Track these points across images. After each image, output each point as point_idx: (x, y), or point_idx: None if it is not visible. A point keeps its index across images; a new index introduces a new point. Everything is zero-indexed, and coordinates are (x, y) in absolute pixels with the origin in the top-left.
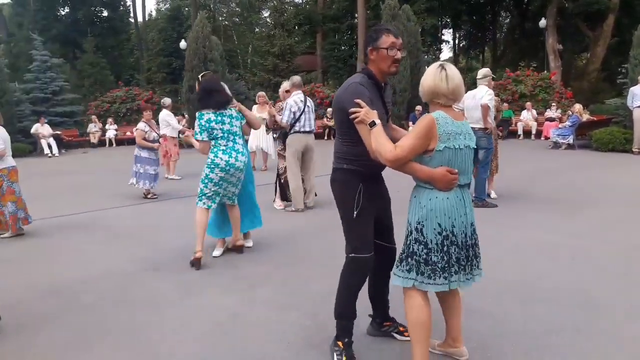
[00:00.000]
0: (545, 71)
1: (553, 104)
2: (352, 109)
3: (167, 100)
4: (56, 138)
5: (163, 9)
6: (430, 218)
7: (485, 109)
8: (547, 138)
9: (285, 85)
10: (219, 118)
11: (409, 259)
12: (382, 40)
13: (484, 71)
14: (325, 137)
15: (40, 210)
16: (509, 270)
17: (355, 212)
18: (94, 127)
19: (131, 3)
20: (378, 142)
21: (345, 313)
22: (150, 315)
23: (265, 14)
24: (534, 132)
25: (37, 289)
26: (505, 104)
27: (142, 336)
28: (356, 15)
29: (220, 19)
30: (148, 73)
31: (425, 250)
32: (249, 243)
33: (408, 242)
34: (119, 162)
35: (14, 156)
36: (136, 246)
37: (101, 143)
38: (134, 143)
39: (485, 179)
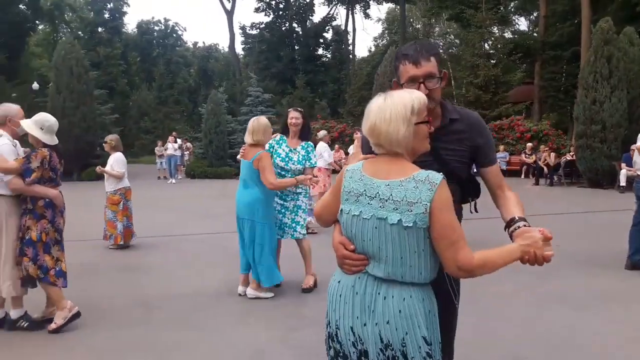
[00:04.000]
0: None
1: None
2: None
3: (322, 133)
4: None
5: (380, 44)
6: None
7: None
8: None
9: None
10: None
11: None
12: (400, 73)
13: None
14: (523, 175)
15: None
16: None
17: None
18: None
19: (351, 41)
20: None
21: None
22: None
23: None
24: None
25: (123, 297)
26: None
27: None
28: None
29: None
30: (350, 107)
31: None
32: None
33: None
34: None
35: (221, 177)
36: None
37: None
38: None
39: None
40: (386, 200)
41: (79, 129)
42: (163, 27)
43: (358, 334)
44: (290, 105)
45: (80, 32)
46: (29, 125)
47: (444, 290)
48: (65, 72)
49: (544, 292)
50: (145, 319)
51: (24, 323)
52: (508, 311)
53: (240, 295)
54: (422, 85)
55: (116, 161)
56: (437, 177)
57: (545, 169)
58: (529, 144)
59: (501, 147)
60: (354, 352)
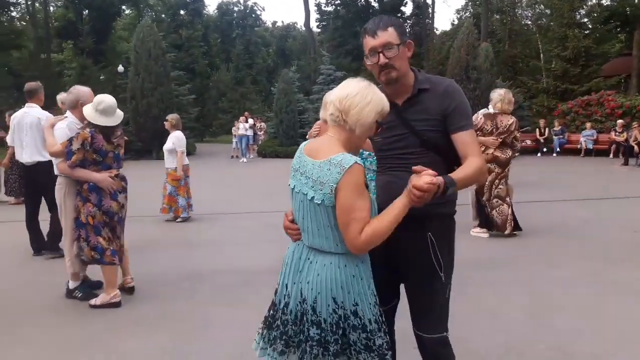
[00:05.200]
0: None
1: None
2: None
3: None
4: None
5: (463, 17)
6: None
7: None
8: None
9: None
10: None
11: None
12: (364, 46)
13: None
14: (612, 155)
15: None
16: None
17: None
18: None
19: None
20: None
21: None
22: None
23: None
24: None
25: (175, 271)
26: None
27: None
28: None
29: (523, 22)
30: None
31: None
32: None
33: None
34: None
35: (291, 157)
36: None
37: None
38: None
39: None
40: (308, 178)
41: (157, 109)
42: (242, 8)
43: (288, 290)
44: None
45: (163, 15)
46: (86, 106)
47: (427, 263)
48: (143, 54)
49: (608, 280)
50: (190, 292)
51: (78, 294)
52: (564, 299)
53: None
54: (380, 54)
55: (177, 139)
56: (349, 161)
57: (636, 147)
58: (620, 121)
59: (588, 125)
60: (281, 302)
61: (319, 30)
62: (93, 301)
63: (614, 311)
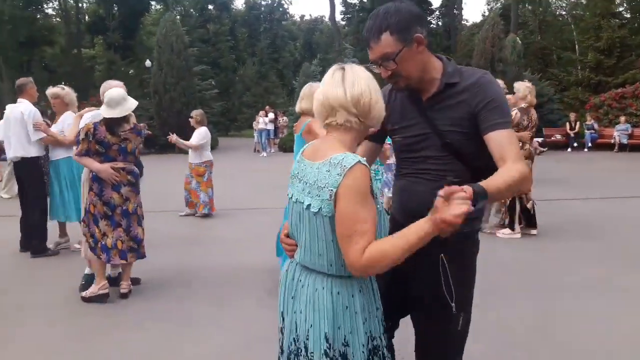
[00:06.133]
0: None
1: None
2: None
3: None
4: None
5: (494, 8)
6: None
7: None
8: None
9: None
10: None
11: None
12: None
13: None
14: None
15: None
16: None
17: None
18: None
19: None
20: None
21: None
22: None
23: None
24: None
25: (182, 267)
26: None
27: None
28: None
29: (557, 12)
30: None
31: None
32: None
33: None
34: None
35: None
36: None
37: None
38: None
39: None
40: (306, 183)
41: (180, 104)
42: (270, 2)
43: (285, 322)
44: None
45: (192, 10)
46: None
47: (437, 293)
48: (166, 49)
49: (620, 287)
50: (190, 290)
51: (82, 281)
52: (573, 304)
53: None
54: (382, 67)
55: (199, 135)
56: (352, 160)
57: None
58: None
59: (622, 118)
60: (279, 339)
61: (344, 22)
62: (84, 293)
63: (625, 321)
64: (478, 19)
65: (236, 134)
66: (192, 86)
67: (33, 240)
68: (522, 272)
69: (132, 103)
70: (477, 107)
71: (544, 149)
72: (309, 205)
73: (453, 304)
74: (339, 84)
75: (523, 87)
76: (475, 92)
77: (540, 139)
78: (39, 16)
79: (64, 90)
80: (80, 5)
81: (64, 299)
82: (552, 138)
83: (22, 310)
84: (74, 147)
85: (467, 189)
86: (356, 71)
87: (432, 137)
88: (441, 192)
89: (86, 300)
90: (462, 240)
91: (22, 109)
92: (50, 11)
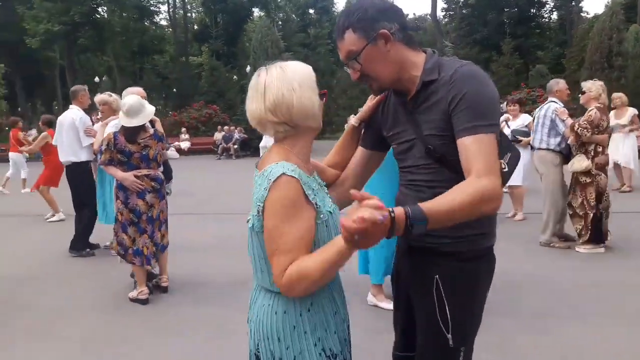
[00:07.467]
0: None
1: None
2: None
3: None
4: None
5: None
6: None
7: None
8: None
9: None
10: None
11: None
12: None
13: None
14: None
15: None
16: None
17: None
18: None
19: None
20: None
21: None
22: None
23: None
24: None
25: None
26: None
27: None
28: None
29: None
30: (568, 72)
31: None
32: None
33: None
34: None
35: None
36: None
37: None
38: None
39: None
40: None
41: None
42: None
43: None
44: (495, 73)
45: (293, 15)
46: None
47: (429, 316)
48: (261, 54)
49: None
50: (207, 296)
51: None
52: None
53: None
54: (349, 68)
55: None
56: (277, 172)
57: None
58: None
59: None
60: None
61: (446, 20)
62: (130, 294)
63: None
64: (601, 9)
65: (332, 136)
66: None
67: (79, 241)
68: (561, 293)
69: (151, 110)
70: (450, 106)
71: None
72: (248, 220)
73: (450, 336)
74: (254, 97)
75: (596, 86)
76: (449, 89)
77: None
78: (152, 27)
79: (112, 97)
80: (188, 15)
81: (112, 297)
82: None
83: (61, 310)
84: (98, 156)
85: (383, 211)
86: (271, 72)
87: (417, 144)
88: (354, 193)
89: (131, 300)
90: (458, 262)
91: (73, 115)
92: (163, 22)
